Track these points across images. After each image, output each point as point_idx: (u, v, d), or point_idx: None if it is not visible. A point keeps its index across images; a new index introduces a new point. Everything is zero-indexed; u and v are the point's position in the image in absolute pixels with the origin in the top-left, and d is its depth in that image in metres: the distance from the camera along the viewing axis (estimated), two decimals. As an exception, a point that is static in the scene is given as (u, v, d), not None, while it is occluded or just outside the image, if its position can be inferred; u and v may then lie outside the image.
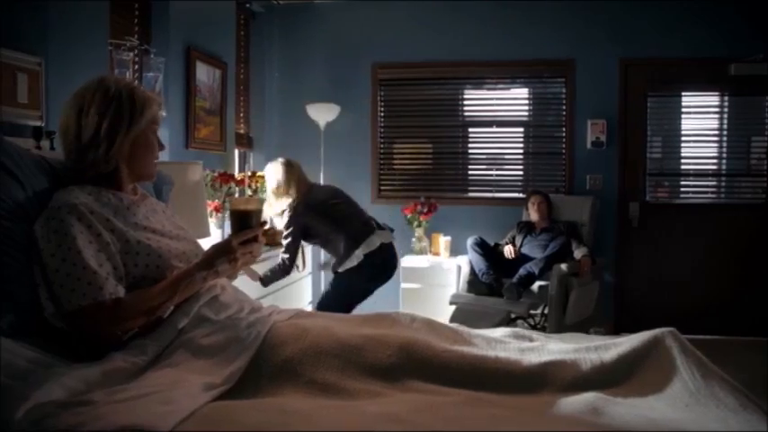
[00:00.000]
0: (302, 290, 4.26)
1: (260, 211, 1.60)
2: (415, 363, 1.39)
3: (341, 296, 3.61)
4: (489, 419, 1.16)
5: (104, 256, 1.42)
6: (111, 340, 1.37)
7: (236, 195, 4.36)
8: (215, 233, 3.61)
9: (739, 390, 1.28)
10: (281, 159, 3.72)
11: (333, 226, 3.60)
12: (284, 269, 3.57)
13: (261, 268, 3.53)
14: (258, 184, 4.37)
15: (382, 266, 3.63)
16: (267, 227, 4.35)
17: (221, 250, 1.53)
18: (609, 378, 1.37)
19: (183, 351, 1.38)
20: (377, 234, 3.60)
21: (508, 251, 4.61)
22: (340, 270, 3.58)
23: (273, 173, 3.64)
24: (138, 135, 1.57)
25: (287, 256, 3.55)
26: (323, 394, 1.29)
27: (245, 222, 1.57)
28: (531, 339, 1.63)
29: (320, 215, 3.60)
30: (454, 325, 1.67)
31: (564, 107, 5.21)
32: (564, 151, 5.22)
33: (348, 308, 3.61)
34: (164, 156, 3.63)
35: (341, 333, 1.44)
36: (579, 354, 1.43)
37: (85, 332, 1.38)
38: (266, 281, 3.52)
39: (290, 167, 3.64)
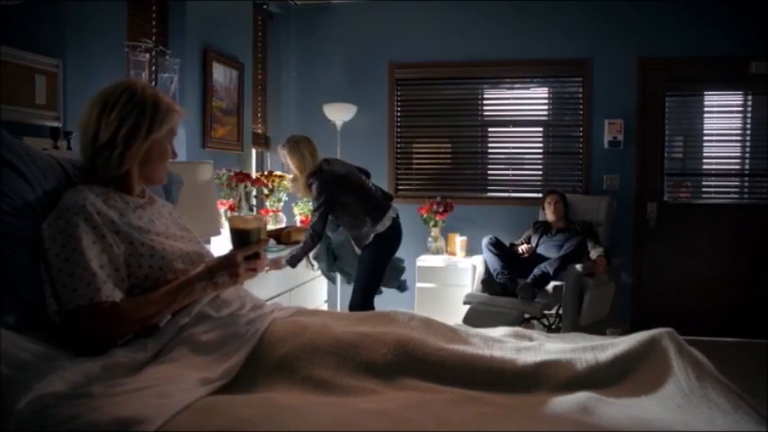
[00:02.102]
0: (316, 290, 4.28)
1: (259, 230, 1.62)
2: (411, 361, 1.40)
3: (372, 271, 3.69)
4: (478, 417, 1.17)
5: (106, 258, 1.45)
6: (106, 343, 1.39)
7: (254, 193, 4.41)
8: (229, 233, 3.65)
9: (734, 391, 1.28)
10: (286, 138, 3.78)
11: (360, 195, 3.67)
12: (309, 245, 3.56)
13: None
14: (275, 183, 4.40)
15: (397, 239, 3.76)
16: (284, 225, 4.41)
17: (224, 263, 1.56)
18: (603, 378, 1.37)
19: (183, 347, 1.41)
20: (392, 208, 3.75)
21: (524, 248, 4.60)
22: (366, 242, 3.64)
23: (286, 152, 3.69)
24: (155, 142, 1.60)
25: (315, 228, 3.54)
26: (318, 391, 1.31)
27: (246, 240, 1.60)
28: (530, 339, 1.64)
29: (347, 183, 3.67)
30: (454, 324, 1.68)
31: (581, 107, 5.18)
32: (581, 151, 5.19)
33: (379, 283, 3.74)
34: (180, 155, 3.70)
35: (338, 331, 1.46)
36: (575, 354, 1.44)
37: (82, 332, 1.41)
38: (293, 261, 3.52)
39: (295, 143, 3.68)
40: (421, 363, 1.40)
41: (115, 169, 1.57)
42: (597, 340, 1.55)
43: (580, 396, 1.26)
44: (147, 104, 1.57)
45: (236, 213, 3.81)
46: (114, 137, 1.54)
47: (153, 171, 1.66)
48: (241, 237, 1.61)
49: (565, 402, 1.24)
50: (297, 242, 4.06)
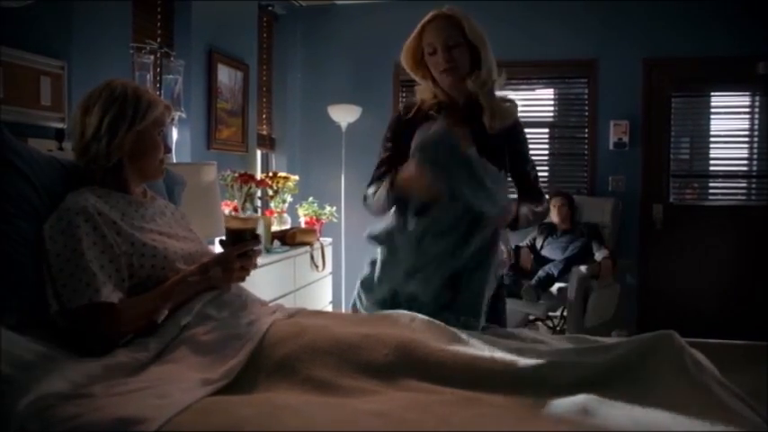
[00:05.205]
0: (321, 291, 4.29)
1: (254, 230, 1.68)
2: (411, 362, 1.40)
3: None
4: (475, 418, 1.17)
5: (107, 259, 1.46)
6: (107, 344, 1.40)
7: (259, 195, 4.41)
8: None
9: (735, 393, 1.27)
10: None
11: None
12: None
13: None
14: (279, 185, 4.40)
15: None
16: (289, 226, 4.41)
17: (218, 260, 1.60)
18: (605, 379, 1.36)
19: (184, 347, 1.41)
20: None
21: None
22: None
23: None
24: (142, 133, 1.61)
25: None
26: (318, 391, 1.31)
27: (240, 239, 1.66)
28: (533, 340, 1.63)
29: None
30: (455, 325, 1.68)
31: (587, 108, 5.17)
32: (586, 152, 5.17)
33: None
34: (185, 156, 3.71)
35: (338, 331, 1.46)
36: (577, 355, 1.43)
37: (83, 332, 1.41)
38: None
39: None
40: (422, 364, 1.39)
41: (104, 161, 1.58)
42: (599, 342, 1.55)
43: (580, 398, 1.25)
44: (128, 96, 1.59)
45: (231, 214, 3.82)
46: (98, 129, 1.56)
47: (146, 165, 1.66)
48: (236, 236, 1.66)
49: (565, 404, 1.24)
50: (302, 243, 4.07)
